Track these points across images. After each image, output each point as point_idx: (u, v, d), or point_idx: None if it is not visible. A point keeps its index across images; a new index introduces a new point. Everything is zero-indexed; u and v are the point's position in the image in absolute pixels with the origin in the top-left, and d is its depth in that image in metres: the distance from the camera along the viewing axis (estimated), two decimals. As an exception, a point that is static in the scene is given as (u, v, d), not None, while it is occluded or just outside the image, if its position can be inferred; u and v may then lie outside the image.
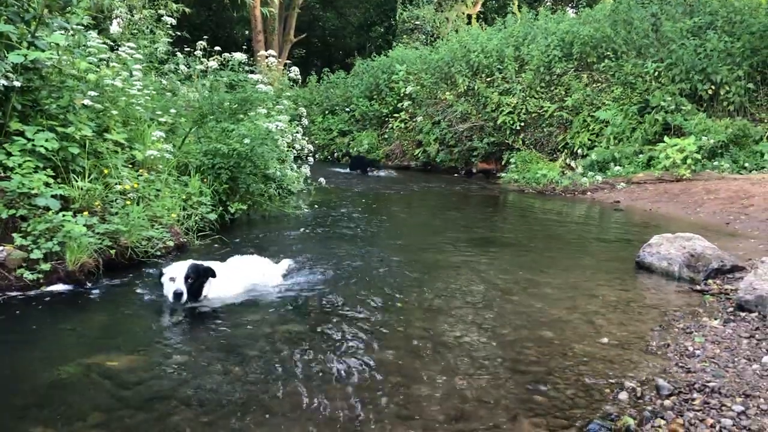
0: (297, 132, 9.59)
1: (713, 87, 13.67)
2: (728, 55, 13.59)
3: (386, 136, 20.17)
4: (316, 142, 20.13)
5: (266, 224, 8.02)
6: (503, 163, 16.90)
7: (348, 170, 17.71)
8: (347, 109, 21.40)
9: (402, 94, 19.65)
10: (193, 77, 9.35)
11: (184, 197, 6.60)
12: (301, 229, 7.93)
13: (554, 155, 15.92)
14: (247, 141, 7.18)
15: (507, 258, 6.77)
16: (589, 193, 13.20)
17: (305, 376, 3.40)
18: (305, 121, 10.13)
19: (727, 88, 13.46)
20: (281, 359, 3.62)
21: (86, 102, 5.62)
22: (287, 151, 9.39)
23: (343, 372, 3.45)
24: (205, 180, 7.19)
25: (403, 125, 19.53)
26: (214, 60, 8.13)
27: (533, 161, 15.65)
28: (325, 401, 3.10)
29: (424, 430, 2.83)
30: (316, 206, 9.73)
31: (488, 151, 17.18)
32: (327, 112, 22.00)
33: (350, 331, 4.10)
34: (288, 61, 12.06)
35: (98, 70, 6.36)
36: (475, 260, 6.52)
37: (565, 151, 15.64)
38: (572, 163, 15.11)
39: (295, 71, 8.98)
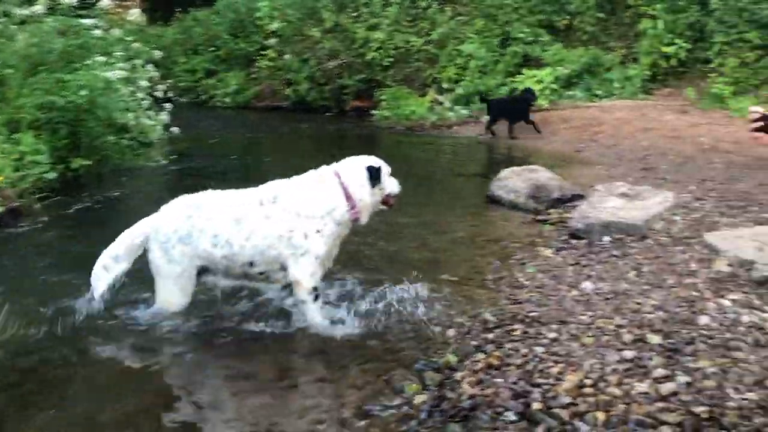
0: (147, 76, 9.05)
1: (568, 17, 14.13)
2: (581, -15, 14.04)
3: (254, 75, 19.49)
4: (180, 84, 19.11)
5: (118, 179, 7.57)
6: (375, 100, 16.82)
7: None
8: (211, 48, 20.39)
9: (267, 32, 18.96)
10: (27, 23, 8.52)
11: (16, 157, 6.10)
12: (157, 181, 7.61)
13: (424, 90, 16.02)
14: (83, 92, 6.69)
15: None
16: (456, 127, 13.45)
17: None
18: (154, 64, 9.55)
19: (581, 18, 13.96)
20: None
21: None
22: (141, 98, 8.89)
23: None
24: (40, 136, 6.66)
25: (271, 64, 18.89)
26: (40, 3, 7.41)
27: (403, 97, 15.65)
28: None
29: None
30: (178, 156, 9.26)
31: (360, 88, 17.00)
32: (190, 52, 20.84)
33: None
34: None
35: None
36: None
37: (434, 86, 15.78)
38: (440, 98, 15.28)
39: (135, 13, 8.39)
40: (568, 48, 13.91)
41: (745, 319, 3.13)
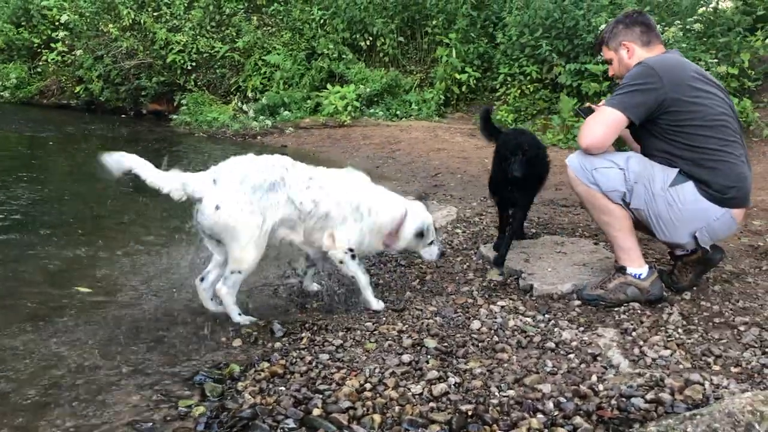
0: None
1: (371, 38, 14.65)
2: (384, 8, 14.59)
3: (40, 69, 17.81)
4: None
5: None
6: (175, 104, 16.17)
7: None
8: (-12, 37, 18.30)
9: (57, 23, 17.44)
10: None
11: None
12: None
13: (227, 98, 15.71)
14: None
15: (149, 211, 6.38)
16: (259, 137, 13.32)
17: None
18: None
19: (383, 40, 14.53)
20: None
21: None
22: None
23: None
24: None
25: (60, 58, 17.39)
26: None
27: (206, 103, 15.24)
28: None
29: None
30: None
31: (158, 91, 16.25)
32: (-41, 37, 18.52)
33: None
34: None
35: None
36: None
37: (238, 94, 15.54)
38: (244, 107, 15.08)
39: None
40: (371, 68, 14.44)
41: (511, 323, 3.42)
